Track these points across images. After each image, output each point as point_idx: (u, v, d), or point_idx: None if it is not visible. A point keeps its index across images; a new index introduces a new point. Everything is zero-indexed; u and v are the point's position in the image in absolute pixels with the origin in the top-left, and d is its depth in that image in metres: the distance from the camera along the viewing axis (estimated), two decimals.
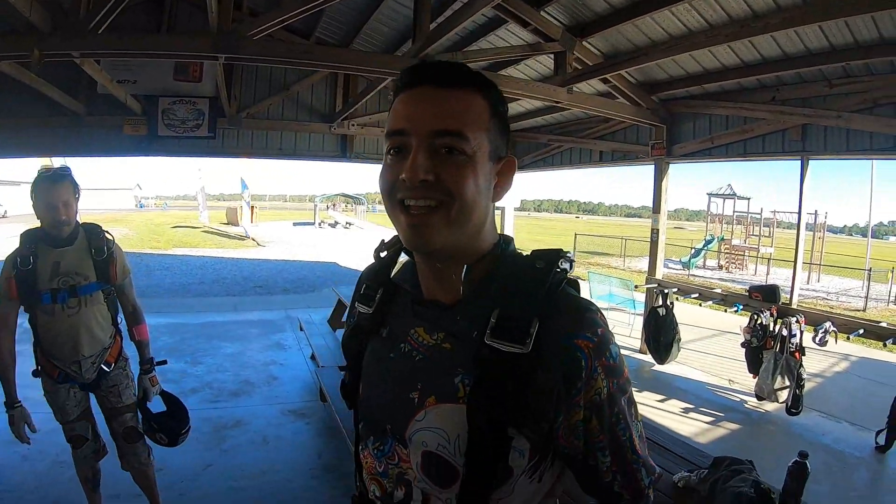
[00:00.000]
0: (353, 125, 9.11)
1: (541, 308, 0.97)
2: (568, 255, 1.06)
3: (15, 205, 43.37)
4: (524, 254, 1.11)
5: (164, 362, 3.66)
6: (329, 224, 38.89)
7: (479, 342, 0.97)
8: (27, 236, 3.09)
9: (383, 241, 1.26)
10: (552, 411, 0.97)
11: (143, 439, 3.42)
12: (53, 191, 2.97)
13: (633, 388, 1.05)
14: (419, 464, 1.03)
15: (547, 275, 1.01)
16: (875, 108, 5.67)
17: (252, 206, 32.87)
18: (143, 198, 62.96)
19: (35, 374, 3.19)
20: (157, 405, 3.49)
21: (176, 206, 61.93)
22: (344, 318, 6.79)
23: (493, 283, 1.04)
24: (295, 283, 14.13)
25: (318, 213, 41.64)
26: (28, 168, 41.12)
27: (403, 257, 1.18)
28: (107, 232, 3.29)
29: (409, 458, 1.05)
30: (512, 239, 1.14)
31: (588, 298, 1.04)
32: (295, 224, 39.31)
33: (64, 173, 3.07)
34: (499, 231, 1.13)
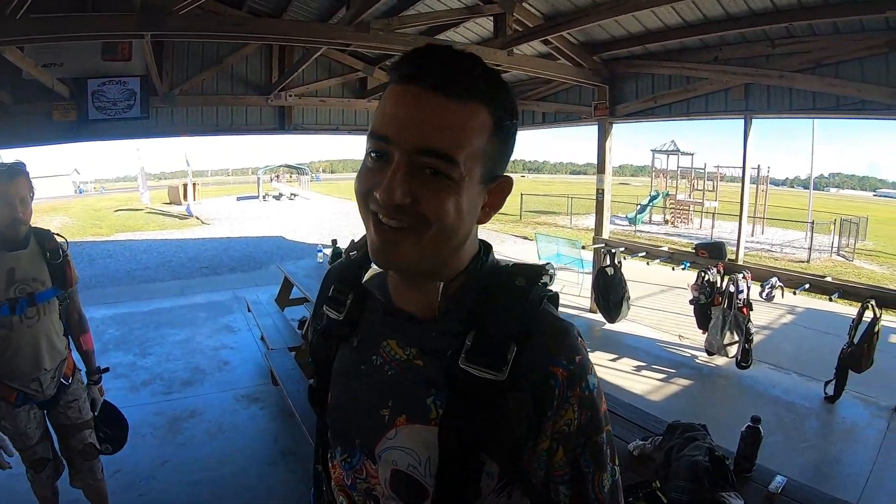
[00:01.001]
0: (290, 96, 8.84)
1: (519, 332, 0.91)
2: (549, 269, 1.00)
3: None
4: (504, 264, 1.04)
5: (107, 370, 3.42)
6: (273, 196, 38.28)
7: (453, 363, 0.91)
8: None
9: (353, 241, 1.17)
10: (522, 437, 0.91)
11: (99, 455, 3.23)
12: (10, 186, 2.69)
13: (587, 350, 0.97)
14: (388, 481, 0.98)
15: (527, 294, 0.95)
16: (817, 69, 5.76)
17: (194, 184, 32.19)
18: (81, 183, 61.06)
19: None
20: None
21: (116, 189, 60.01)
22: (303, 332, 6.73)
23: (470, 298, 0.97)
24: (241, 261, 13.85)
25: (261, 185, 40.97)
26: None
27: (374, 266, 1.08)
28: (57, 234, 3.03)
29: (378, 475, 1.00)
30: (491, 248, 1.06)
31: (569, 321, 0.97)
32: (239, 198, 38.58)
33: (19, 168, 2.78)
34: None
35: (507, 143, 0.95)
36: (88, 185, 60.67)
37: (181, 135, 8.86)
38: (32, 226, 2.90)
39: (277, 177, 50.75)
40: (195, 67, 8.28)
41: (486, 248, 1.04)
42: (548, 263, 1.01)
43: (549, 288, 0.99)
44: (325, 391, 1.14)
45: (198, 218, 24.85)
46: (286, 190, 40.58)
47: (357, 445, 1.03)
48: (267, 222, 22.79)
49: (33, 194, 2.86)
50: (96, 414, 3.24)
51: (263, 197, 37.51)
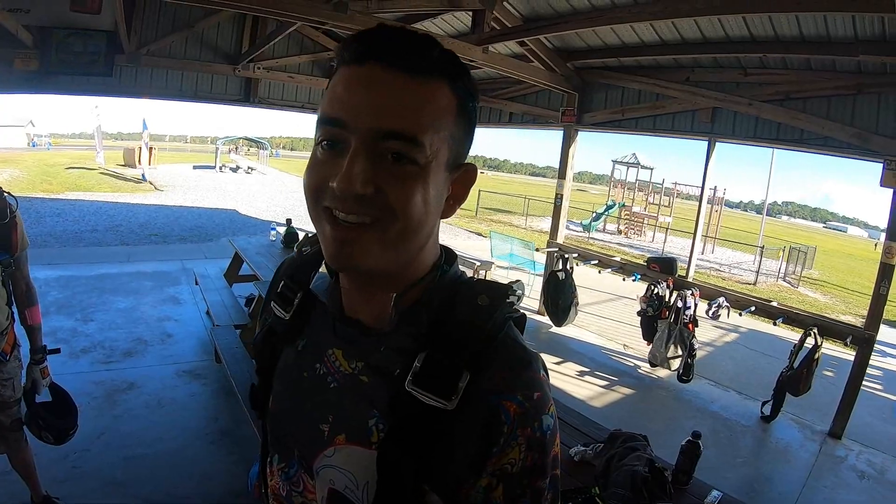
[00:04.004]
0: (259, 68, 8.69)
1: (474, 359, 0.82)
2: (516, 289, 0.90)
3: None
4: (468, 277, 0.95)
5: (58, 351, 3.21)
6: (231, 168, 37.67)
7: (399, 385, 0.83)
8: None
9: (307, 235, 1.08)
10: (466, 472, 0.82)
11: (24, 427, 3.03)
12: None
13: (549, 385, 0.88)
14: (325, 499, 0.91)
15: (489, 316, 0.85)
16: (785, 101, 5.95)
17: (151, 148, 31.40)
18: (36, 136, 59.14)
19: None
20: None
21: (70, 146, 58.19)
22: (250, 310, 6.65)
23: (425, 314, 0.88)
24: (192, 232, 13.60)
25: (219, 156, 40.25)
26: None
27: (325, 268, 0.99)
28: (7, 193, 2.75)
29: (315, 491, 0.93)
30: (455, 258, 0.96)
31: (533, 350, 0.87)
32: (195, 167, 37.82)
33: None
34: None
35: (471, 127, 0.86)
36: (43, 139, 58.72)
37: (144, 96, 8.65)
38: None
39: (236, 148, 49.89)
40: (165, 28, 8.10)
41: (448, 255, 0.95)
42: (516, 282, 0.92)
43: (516, 308, 0.89)
44: (266, 393, 1.06)
45: (152, 183, 24.34)
46: (244, 163, 39.94)
47: (295, 456, 0.97)
48: (222, 194, 22.44)
49: None
50: (38, 398, 3.02)
51: (220, 168, 36.91)
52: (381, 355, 0.89)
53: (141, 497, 3.57)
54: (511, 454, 0.81)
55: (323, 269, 0.99)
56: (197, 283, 6.81)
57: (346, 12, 5.47)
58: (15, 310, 2.92)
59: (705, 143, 6.76)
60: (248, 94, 9.16)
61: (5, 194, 2.74)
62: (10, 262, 2.79)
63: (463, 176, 0.88)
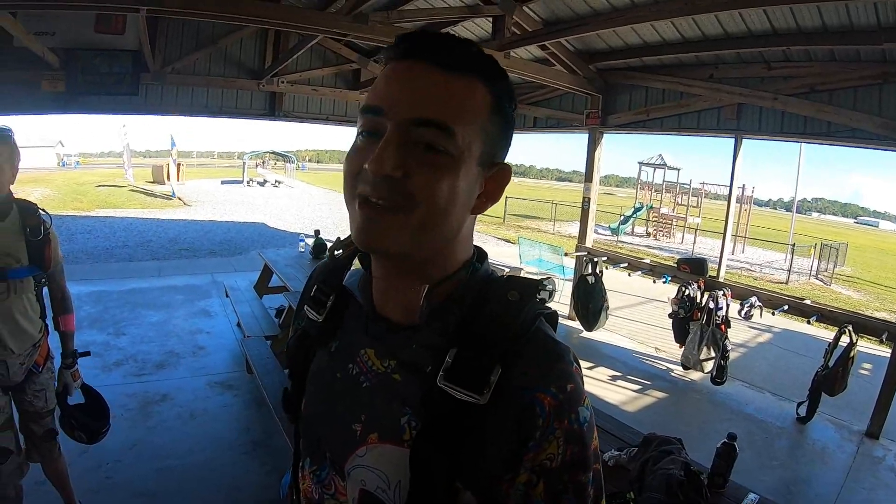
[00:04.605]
0: (282, 82, 8.77)
1: (505, 352, 0.81)
2: (547, 284, 0.90)
3: None
4: (499, 275, 0.95)
5: (87, 354, 3.28)
6: (258, 182, 38.09)
7: (431, 381, 0.83)
8: None
9: (339, 238, 1.08)
10: (501, 469, 0.81)
11: (58, 436, 3.11)
12: None
13: (583, 379, 0.89)
14: (356, 500, 0.90)
15: (519, 311, 0.85)
16: (811, 94, 5.84)
17: (179, 164, 31.82)
18: (65, 155, 60.19)
19: None
20: (76, 397, 3.21)
21: (100, 164, 59.19)
22: (280, 321, 6.70)
23: (456, 310, 0.88)
24: (222, 245, 13.75)
25: (246, 170, 40.68)
26: None
27: (357, 265, 1.02)
28: (42, 210, 2.85)
29: (347, 493, 0.93)
30: (486, 256, 0.98)
31: (565, 344, 0.87)
32: (223, 182, 38.27)
33: (4, 133, 2.61)
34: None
35: (507, 128, 0.89)
36: (72, 158, 59.78)
37: (170, 114, 8.76)
38: (18, 199, 2.77)
39: (263, 163, 50.39)
40: (189, 46, 8.20)
41: (480, 254, 0.97)
42: (547, 278, 0.92)
43: (548, 305, 0.90)
44: (299, 397, 1.07)
45: (181, 199, 24.65)
46: (271, 176, 40.33)
47: (327, 459, 0.96)
48: (250, 208, 22.65)
49: (17, 164, 2.71)
50: (70, 400, 3.11)
51: (248, 182, 37.31)
52: (413, 352, 0.89)
53: None
54: (549, 448, 0.80)
55: (356, 265, 1.02)
56: (227, 296, 6.88)
57: (366, 23, 5.51)
58: (49, 321, 3.00)
59: (732, 141, 6.69)
60: (272, 108, 9.21)
61: (40, 211, 2.82)
62: (43, 278, 2.89)
63: (498, 175, 0.89)
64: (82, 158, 66.90)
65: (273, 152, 52.57)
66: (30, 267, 2.76)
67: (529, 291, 0.87)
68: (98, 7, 5.76)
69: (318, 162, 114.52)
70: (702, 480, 2.40)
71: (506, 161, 0.92)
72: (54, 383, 3.04)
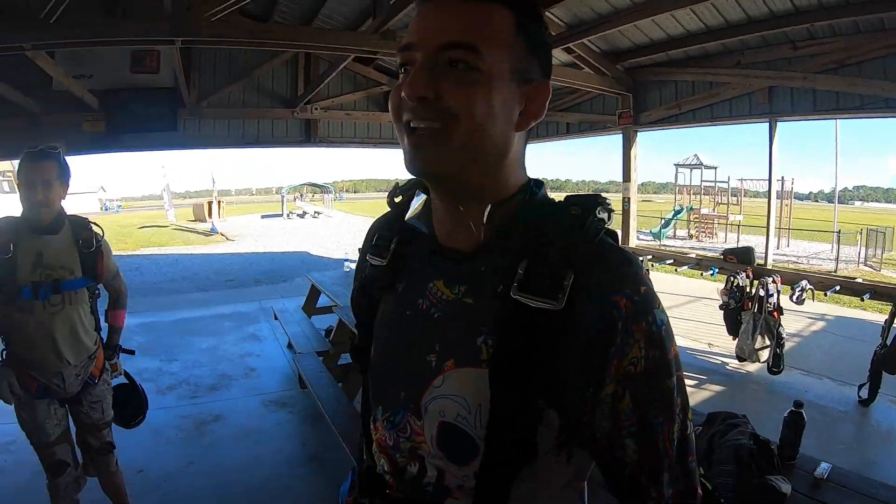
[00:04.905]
0: (316, 108, 8.93)
1: (575, 259, 0.83)
2: (607, 202, 0.91)
3: None
4: (556, 199, 0.97)
5: (132, 352, 3.43)
6: (297, 214, 38.53)
7: (503, 297, 0.84)
8: (4, 223, 2.73)
9: (397, 184, 1.12)
10: (582, 380, 0.82)
11: (115, 450, 3.17)
12: (34, 168, 2.66)
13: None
14: (434, 437, 0.91)
15: (583, 222, 0.86)
16: (840, 69, 5.76)
17: (219, 202, 32.46)
18: (108, 200, 61.66)
19: None
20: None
21: (141, 207, 60.64)
22: (331, 338, 6.78)
23: (521, 229, 0.90)
24: (266, 275, 13.91)
25: (285, 203, 41.20)
26: None
27: (418, 200, 1.04)
28: (94, 224, 2.96)
29: (423, 431, 0.93)
30: (543, 183, 0.98)
31: (632, 250, 0.89)
32: (263, 216, 38.80)
33: (50, 151, 2.71)
34: None
35: (536, 47, 0.91)
36: (114, 203, 61.21)
37: (209, 146, 9.02)
38: (70, 214, 2.86)
39: (301, 195, 50.96)
40: (223, 80, 8.43)
41: (536, 181, 0.98)
42: (600, 195, 0.92)
43: (608, 226, 0.91)
44: (367, 349, 1.08)
45: (223, 234, 25.06)
46: (310, 208, 40.77)
47: (401, 400, 0.96)
48: (291, 238, 22.93)
49: (67, 180, 2.79)
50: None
51: (287, 215, 37.75)
52: (483, 274, 0.91)
53: None
54: (632, 353, 0.81)
55: (415, 203, 1.04)
56: (276, 318, 6.98)
57: (394, 39, 5.60)
58: (104, 333, 3.12)
59: (766, 126, 6.61)
60: (308, 135, 9.38)
61: (91, 225, 2.93)
62: (97, 290, 2.99)
63: (535, 91, 0.91)
64: (124, 202, 68.44)
65: (311, 184, 53.20)
66: (83, 278, 2.84)
67: (590, 205, 0.89)
68: (135, 42, 5.97)
69: (354, 192, 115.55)
70: (772, 450, 2.37)
71: (533, 176, 0.96)
72: (109, 396, 3.12)
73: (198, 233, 26.27)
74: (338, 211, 43.43)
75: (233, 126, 8.89)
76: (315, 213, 38.92)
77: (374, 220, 1.19)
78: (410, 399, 0.95)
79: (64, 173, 2.77)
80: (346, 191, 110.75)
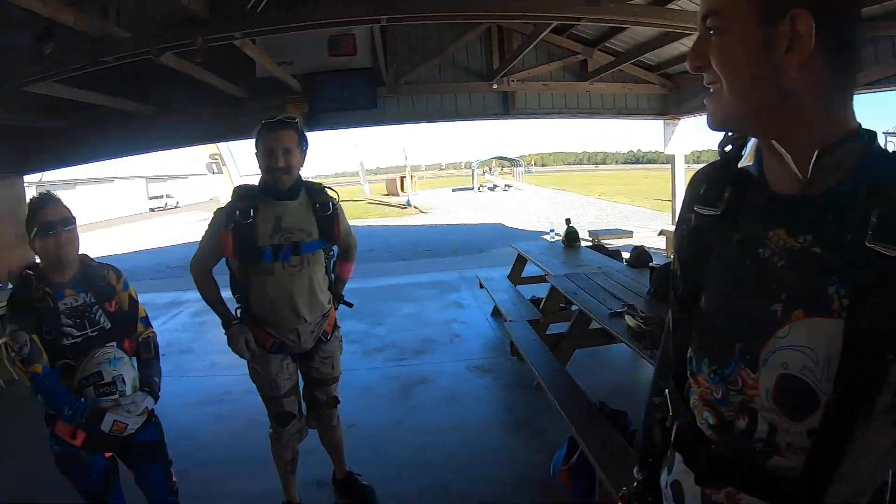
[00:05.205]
0: (513, 81, 8.89)
1: None
2: None
3: (185, 196, 49.00)
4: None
5: (351, 305, 3.53)
6: (488, 188, 39.03)
7: (856, 245, 0.79)
8: (243, 190, 2.92)
9: (727, 134, 1.07)
10: None
11: (339, 405, 3.34)
12: (274, 136, 2.79)
13: None
14: (770, 390, 0.87)
15: None
16: None
17: (411, 176, 33.58)
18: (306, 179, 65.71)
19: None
20: None
21: (336, 184, 64.30)
22: (524, 274, 6.80)
23: (864, 176, 0.84)
24: (463, 245, 14.24)
25: (475, 177, 41.78)
26: (196, 162, 45.67)
27: (750, 146, 1.03)
28: (329, 188, 3.10)
29: (758, 384, 0.89)
30: (876, 134, 0.91)
31: None
32: (454, 190, 39.76)
33: (289, 121, 2.85)
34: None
35: None
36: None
37: (408, 122, 9.23)
38: (306, 181, 2.99)
39: (490, 169, 51.57)
40: (418, 58, 8.62)
41: (869, 132, 0.90)
42: None
43: None
44: (693, 300, 1.07)
45: (416, 207, 25.91)
46: (500, 181, 41.25)
47: (736, 351, 0.93)
48: (483, 211, 23.28)
49: (305, 149, 2.91)
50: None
51: (478, 188, 38.37)
52: (828, 223, 0.86)
53: (441, 482, 3.65)
54: None
55: (748, 148, 1.04)
56: (482, 286, 7.06)
57: (597, 4, 5.40)
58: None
59: None
60: (506, 107, 9.31)
61: (327, 190, 3.07)
62: (332, 251, 3.13)
63: (793, 25, 0.82)
64: (318, 180, 72.73)
65: (499, 158, 53.60)
66: (320, 240, 2.96)
67: None
68: (342, 23, 6.20)
69: (542, 165, 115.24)
70: None
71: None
72: (339, 353, 3.26)
73: (392, 206, 27.36)
74: (527, 184, 43.47)
75: (431, 101, 9.07)
76: (505, 186, 39.29)
77: (697, 170, 1.17)
78: (747, 351, 0.91)
79: (303, 141, 2.90)
80: (534, 164, 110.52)
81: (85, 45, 5.37)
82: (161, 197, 49.55)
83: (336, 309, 3.32)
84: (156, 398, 2.57)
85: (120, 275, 2.69)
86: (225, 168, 39.02)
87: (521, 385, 4.98)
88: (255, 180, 2.98)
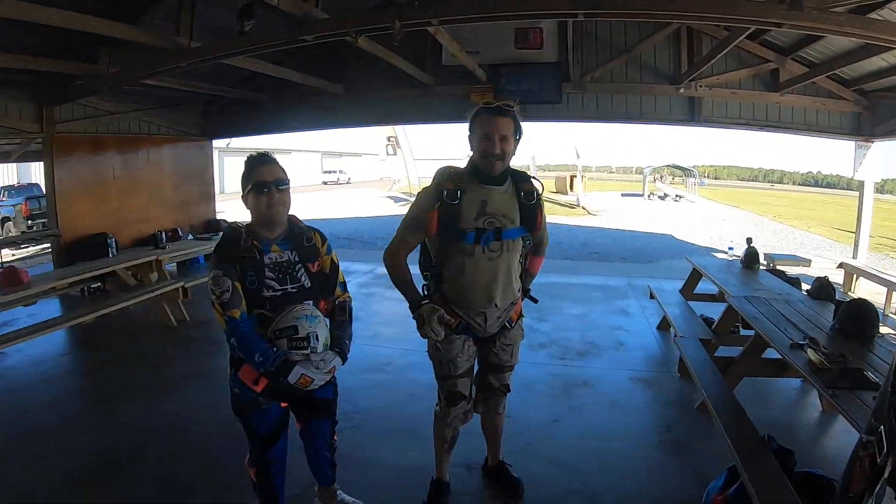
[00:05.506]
0: (700, 86, 8.55)
1: None
2: None
3: (356, 174, 51.57)
4: None
5: (535, 301, 3.47)
6: (658, 196, 37.97)
7: None
8: (450, 171, 2.94)
9: None
10: None
11: (510, 393, 3.35)
12: (493, 122, 2.78)
13: None
14: None
15: None
16: None
17: (582, 176, 33.19)
18: None
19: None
20: None
21: None
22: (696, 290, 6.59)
23: None
24: (632, 253, 14.00)
25: (646, 184, 40.70)
26: (371, 142, 47.70)
27: None
28: (535, 178, 3.08)
29: None
30: None
31: None
32: (623, 195, 38.90)
33: (507, 108, 2.83)
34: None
35: None
36: None
37: (591, 120, 9.20)
38: (513, 168, 2.99)
39: (661, 177, 50.03)
40: (605, 55, 8.58)
41: None
42: None
43: None
44: None
45: (584, 208, 25.63)
46: (671, 190, 39.95)
47: None
48: (652, 220, 22.71)
49: (519, 137, 2.89)
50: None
51: (648, 196, 37.38)
52: None
53: (588, 488, 3.61)
54: None
55: None
56: (652, 297, 6.92)
57: (801, 10, 5.08)
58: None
59: None
60: (692, 114, 8.99)
61: (533, 179, 3.07)
62: (529, 241, 3.11)
63: None
64: None
65: (673, 166, 51.79)
66: (520, 228, 2.95)
67: None
68: (538, 15, 6.25)
69: (715, 178, 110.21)
70: None
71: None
72: (519, 343, 3.28)
73: (561, 204, 27.23)
74: (699, 196, 41.76)
75: (615, 101, 8.95)
76: (676, 196, 38.00)
77: None
78: None
79: (518, 130, 2.88)
80: (706, 176, 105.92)
81: (283, 24, 5.77)
82: (334, 172, 52.72)
83: (521, 301, 3.33)
84: (344, 359, 2.70)
85: (325, 239, 2.84)
86: (399, 150, 40.64)
87: (682, 405, 4.84)
88: (428, 165, 3.03)
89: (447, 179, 2.88)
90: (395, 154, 41.54)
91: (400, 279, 3.01)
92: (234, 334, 2.46)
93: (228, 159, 33.69)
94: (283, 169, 2.65)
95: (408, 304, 2.97)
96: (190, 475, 3.74)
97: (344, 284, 2.91)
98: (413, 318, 2.93)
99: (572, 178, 34.96)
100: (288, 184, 2.64)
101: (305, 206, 24.73)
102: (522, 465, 3.71)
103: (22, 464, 3.89)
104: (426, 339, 2.96)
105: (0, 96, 7.73)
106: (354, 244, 16.68)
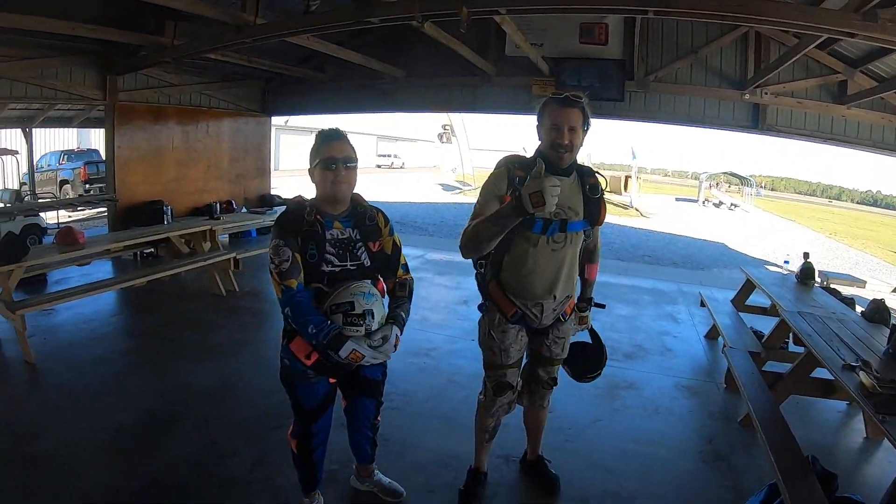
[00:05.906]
0: (765, 93, 8.35)
1: None
2: None
3: (410, 159, 51.97)
4: None
5: (603, 306, 3.53)
6: (713, 203, 37.37)
7: None
8: (519, 160, 2.94)
9: None
10: None
11: (556, 387, 3.35)
12: (562, 112, 2.76)
13: None
14: None
15: None
16: None
17: (638, 177, 32.81)
18: None
19: (481, 308, 3.13)
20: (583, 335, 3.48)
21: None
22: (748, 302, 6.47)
23: None
24: (683, 258, 13.85)
25: (702, 190, 40.08)
26: (426, 129, 47.91)
27: None
28: (598, 173, 3.04)
29: None
30: None
31: None
32: (677, 199, 38.36)
33: (577, 100, 2.81)
34: None
35: None
36: None
37: (653, 121, 9.06)
38: (580, 163, 2.97)
39: (717, 184, 49.09)
40: (670, 55, 8.47)
41: None
42: None
43: None
44: None
45: (637, 210, 25.36)
46: (727, 199, 39.23)
47: None
48: (706, 227, 22.41)
49: (587, 129, 2.86)
50: (575, 338, 3.36)
51: (703, 202, 36.81)
52: None
53: (625, 492, 3.60)
54: None
55: None
56: (703, 305, 6.85)
57: (876, 21, 4.93)
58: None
59: None
60: (756, 121, 8.76)
61: (597, 174, 3.05)
62: (591, 232, 3.09)
63: None
64: None
65: (730, 174, 50.72)
66: (584, 221, 2.94)
67: None
68: (608, 10, 6.19)
69: (772, 189, 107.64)
70: None
71: None
72: (571, 336, 3.29)
73: (614, 204, 26.97)
74: (755, 207, 40.91)
75: (678, 103, 8.81)
76: (732, 205, 37.35)
77: None
78: None
79: (587, 121, 2.86)
80: (763, 186, 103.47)
81: (348, 5, 5.82)
82: (388, 156, 53.03)
83: (587, 311, 3.39)
84: (401, 329, 2.72)
85: (387, 220, 2.87)
86: (454, 139, 40.72)
87: (726, 417, 4.77)
88: (483, 155, 2.99)
89: (518, 167, 2.86)
90: (448, 142, 41.66)
91: (482, 228, 2.68)
92: (289, 304, 2.49)
93: (285, 137, 34.09)
94: (353, 147, 2.68)
95: (505, 213, 2.59)
96: (227, 443, 3.85)
97: (406, 266, 2.93)
98: (514, 198, 2.60)
99: (627, 178, 34.59)
100: (356, 162, 2.66)
101: (357, 187, 25.01)
102: (560, 462, 3.73)
103: (66, 418, 4.06)
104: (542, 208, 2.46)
105: (65, 63, 8.05)
106: (406, 228, 16.82)
